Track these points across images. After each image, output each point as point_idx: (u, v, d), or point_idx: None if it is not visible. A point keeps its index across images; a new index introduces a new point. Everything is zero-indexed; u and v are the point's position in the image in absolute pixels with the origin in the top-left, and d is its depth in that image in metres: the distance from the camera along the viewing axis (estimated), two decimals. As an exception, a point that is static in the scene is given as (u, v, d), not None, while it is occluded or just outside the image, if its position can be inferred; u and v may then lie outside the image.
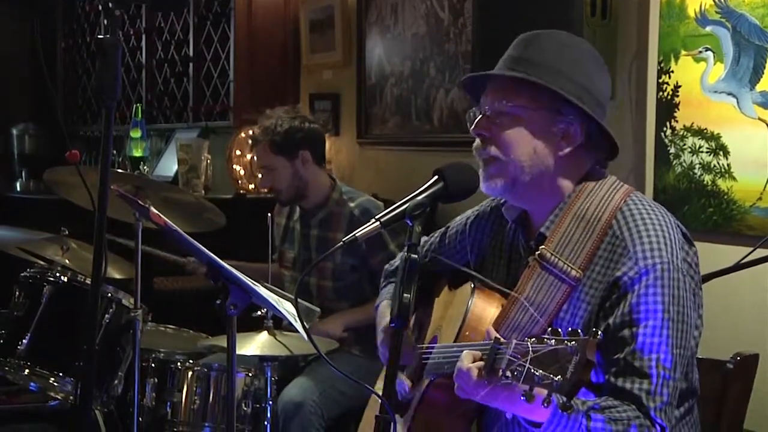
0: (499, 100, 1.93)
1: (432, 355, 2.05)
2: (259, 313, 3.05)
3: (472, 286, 2.03)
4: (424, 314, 2.25)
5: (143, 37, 6.33)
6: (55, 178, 3.39)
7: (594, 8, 3.20)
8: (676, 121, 3.13)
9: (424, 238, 2.33)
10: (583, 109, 1.89)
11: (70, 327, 3.20)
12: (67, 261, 3.36)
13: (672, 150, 3.14)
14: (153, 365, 3.24)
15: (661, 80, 3.17)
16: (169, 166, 5.73)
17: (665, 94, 3.16)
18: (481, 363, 1.71)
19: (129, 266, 3.41)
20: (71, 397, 3.19)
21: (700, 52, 3.03)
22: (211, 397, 3.12)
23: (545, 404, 1.53)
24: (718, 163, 2.99)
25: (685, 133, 3.10)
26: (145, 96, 6.30)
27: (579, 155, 1.94)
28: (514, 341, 1.61)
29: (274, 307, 2.21)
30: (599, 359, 1.71)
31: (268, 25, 5.37)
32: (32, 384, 3.25)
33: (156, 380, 3.22)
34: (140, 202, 2.37)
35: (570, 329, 1.58)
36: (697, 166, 3.06)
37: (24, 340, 3.16)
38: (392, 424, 1.75)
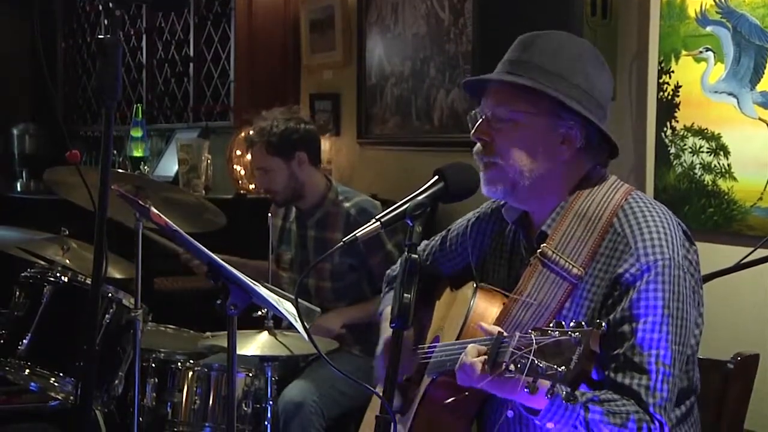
0: (499, 104, 1.93)
1: (434, 354, 2.05)
2: (259, 313, 3.05)
3: (475, 285, 2.03)
4: (425, 316, 2.25)
5: (144, 37, 6.33)
6: (56, 178, 3.40)
7: (594, 8, 3.20)
8: (677, 121, 3.13)
9: (425, 242, 2.33)
10: (583, 114, 1.89)
11: (70, 327, 3.20)
12: (67, 261, 3.36)
13: (672, 150, 3.14)
14: (153, 365, 3.25)
15: (661, 80, 3.17)
16: (169, 166, 5.73)
17: (666, 94, 3.16)
18: (485, 357, 1.71)
19: (129, 266, 3.41)
20: (72, 397, 3.19)
21: (701, 52, 3.03)
22: (211, 398, 3.12)
23: (549, 395, 1.54)
24: (719, 163, 2.99)
25: (686, 133, 3.10)
26: (146, 96, 6.30)
27: (579, 157, 1.94)
28: (518, 334, 1.62)
29: (275, 307, 2.21)
30: (600, 354, 1.71)
31: (269, 25, 5.37)
32: (33, 384, 3.25)
33: (156, 380, 3.22)
34: (141, 202, 2.37)
35: (573, 321, 1.59)
36: (698, 166, 3.06)
37: (24, 340, 3.16)
38: (392, 424, 1.75)
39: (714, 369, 2.20)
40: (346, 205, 3.54)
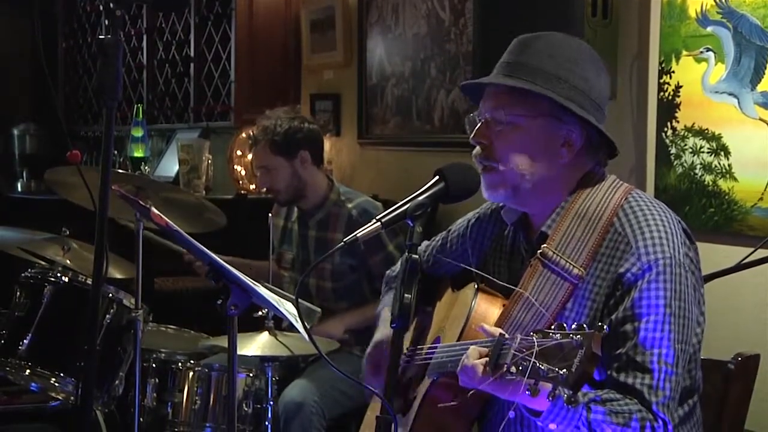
0: (498, 107, 1.93)
1: (434, 355, 2.05)
2: (260, 313, 3.05)
3: (476, 286, 2.03)
4: (426, 317, 2.25)
5: (144, 37, 6.33)
6: (56, 178, 3.40)
7: (595, 8, 3.20)
8: (677, 122, 3.13)
9: (425, 243, 2.33)
10: (582, 116, 1.89)
11: (71, 327, 3.20)
12: (68, 261, 3.36)
13: (673, 150, 3.14)
14: (154, 365, 3.24)
15: (662, 80, 3.17)
16: (170, 166, 5.73)
17: (666, 94, 3.16)
18: (486, 359, 1.71)
19: (130, 266, 3.41)
20: (72, 398, 3.19)
21: (701, 52, 3.03)
22: (212, 398, 3.12)
23: (550, 398, 1.54)
24: (719, 163, 2.99)
25: (686, 133, 3.10)
26: (146, 96, 6.30)
27: (580, 158, 1.94)
28: (519, 336, 1.62)
29: (275, 307, 2.21)
30: (602, 354, 1.72)
31: (269, 26, 5.37)
32: (33, 384, 3.25)
33: (157, 380, 3.22)
34: (141, 202, 2.36)
35: (575, 324, 1.58)
36: (698, 167, 3.06)
37: (25, 341, 3.16)
38: (393, 424, 1.75)
39: (715, 369, 2.20)
40: (348, 205, 3.55)
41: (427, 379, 2.06)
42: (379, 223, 1.83)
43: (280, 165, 3.54)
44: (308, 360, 3.43)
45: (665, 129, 3.17)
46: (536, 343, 1.56)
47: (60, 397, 3.32)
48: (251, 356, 2.95)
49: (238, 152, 5.17)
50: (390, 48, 4.66)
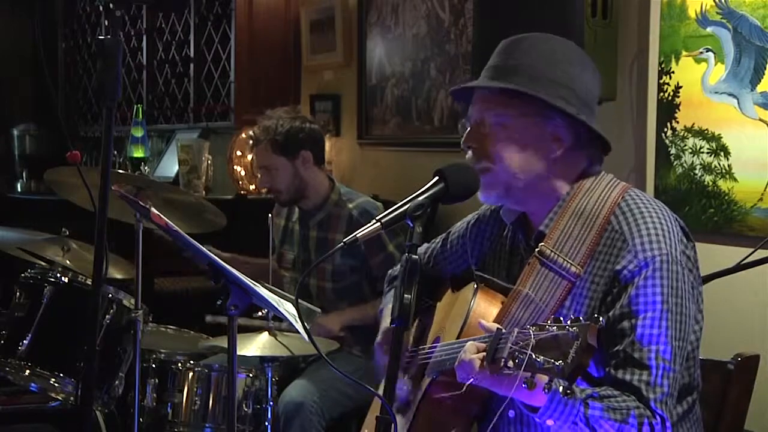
0: (485, 110, 1.96)
1: (434, 354, 2.05)
2: (260, 313, 3.05)
3: (475, 286, 2.03)
4: (427, 318, 2.25)
5: (144, 37, 6.33)
6: (56, 178, 3.40)
7: (595, 9, 3.20)
8: (677, 122, 3.13)
9: (426, 244, 2.34)
10: (567, 111, 1.90)
11: (70, 328, 3.20)
12: (67, 261, 3.36)
13: (673, 151, 3.14)
14: (154, 366, 3.24)
15: (661, 81, 3.17)
16: (169, 166, 5.73)
17: (666, 94, 3.16)
18: (483, 353, 1.72)
19: (130, 266, 3.41)
20: (72, 398, 3.19)
21: (701, 52, 3.03)
22: (211, 398, 3.12)
23: (546, 390, 1.54)
24: (719, 163, 2.99)
25: (686, 133, 3.10)
26: (146, 96, 6.29)
27: (572, 155, 1.96)
28: (516, 330, 1.63)
29: (275, 307, 2.21)
30: (600, 351, 1.72)
31: (269, 26, 5.37)
32: (33, 384, 3.25)
33: (157, 381, 3.22)
34: (141, 202, 2.37)
35: (572, 317, 1.59)
36: (698, 167, 3.06)
37: (25, 341, 3.16)
38: (393, 424, 1.75)
39: (714, 369, 2.20)
40: (349, 206, 3.55)
41: (426, 378, 2.06)
42: (379, 224, 1.83)
43: (282, 165, 3.54)
44: (308, 360, 3.43)
45: (665, 129, 3.17)
46: (533, 336, 1.57)
47: (60, 398, 3.32)
48: (251, 356, 2.95)
49: (238, 152, 5.16)
50: (390, 48, 4.66)
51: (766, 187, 2.86)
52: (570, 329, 1.55)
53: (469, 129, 1.98)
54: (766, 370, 2.35)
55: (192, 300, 4.45)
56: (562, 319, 1.60)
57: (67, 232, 3.48)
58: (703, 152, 3.05)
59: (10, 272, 3.46)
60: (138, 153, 5.37)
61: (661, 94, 3.18)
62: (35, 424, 3.75)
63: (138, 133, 5.37)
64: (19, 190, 6.70)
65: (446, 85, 4.30)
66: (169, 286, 4.61)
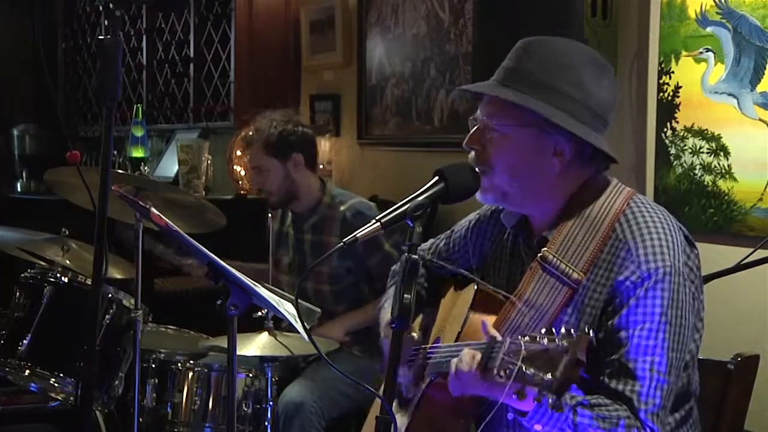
0: (490, 116, 1.94)
1: (433, 355, 2.05)
2: (259, 313, 3.05)
3: (476, 288, 2.03)
4: (431, 316, 2.25)
5: (144, 37, 6.33)
6: (56, 178, 3.40)
7: (594, 9, 3.20)
8: (677, 122, 3.13)
9: (430, 240, 2.34)
10: (567, 129, 1.87)
11: (70, 328, 3.20)
12: (67, 261, 3.36)
13: (672, 151, 3.14)
14: (153, 366, 3.24)
15: (661, 81, 3.17)
16: (169, 166, 5.73)
17: (666, 94, 3.16)
18: (477, 363, 1.72)
19: (130, 267, 3.41)
20: (72, 398, 3.19)
21: (701, 52, 3.03)
22: (211, 398, 3.12)
23: (536, 401, 1.54)
24: (719, 163, 2.99)
25: (686, 133, 3.10)
26: (146, 96, 6.29)
27: (574, 167, 1.93)
28: (508, 340, 1.62)
29: (275, 307, 2.21)
30: (595, 360, 1.71)
31: (269, 26, 5.37)
32: (33, 385, 3.25)
33: (156, 381, 3.22)
34: (141, 202, 2.37)
35: (564, 329, 1.59)
36: (698, 167, 3.06)
37: (25, 341, 3.16)
38: (392, 424, 1.75)
39: (714, 370, 2.20)
40: (341, 208, 3.55)
41: (425, 378, 2.06)
42: (378, 224, 1.83)
43: (273, 166, 3.55)
44: (308, 360, 3.43)
45: (665, 129, 3.17)
46: (523, 347, 1.57)
47: (60, 398, 3.32)
48: (251, 356, 2.95)
49: (238, 152, 5.16)
50: (390, 48, 4.66)
51: (766, 187, 2.86)
52: (560, 343, 1.55)
53: (474, 130, 1.97)
54: (766, 370, 2.35)
55: (192, 300, 4.45)
56: (554, 330, 1.59)
57: (67, 232, 3.48)
58: (703, 152, 3.05)
59: (10, 272, 3.46)
60: (138, 153, 5.37)
61: (661, 94, 3.18)
62: (35, 424, 3.75)
63: (138, 133, 5.36)
64: (19, 190, 6.69)
65: (446, 85, 4.30)
66: (169, 286, 4.61)
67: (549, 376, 1.52)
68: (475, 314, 1.98)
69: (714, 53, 2.99)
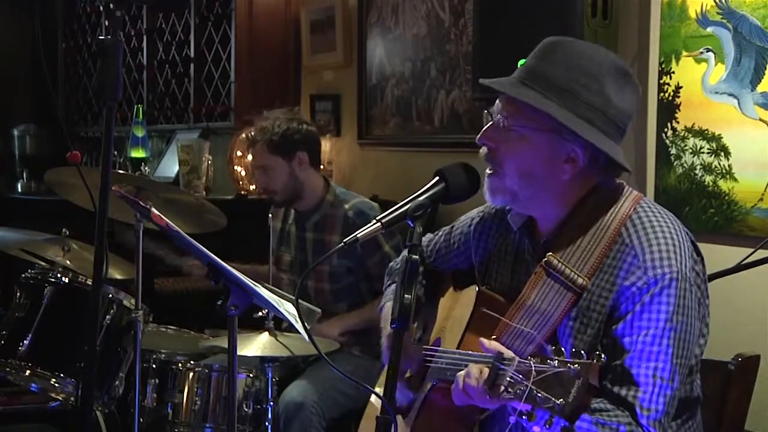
0: (509, 115, 1.90)
1: (435, 359, 2.05)
2: (260, 314, 3.05)
3: (477, 290, 2.02)
4: (429, 313, 2.25)
5: (144, 37, 6.33)
6: (56, 178, 3.39)
7: (595, 9, 3.20)
8: (677, 122, 3.13)
9: (428, 236, 2.33)
10: (584, 137, 1.84)
11: (71, 328, 3.20)
12: (68, 262, 3.36)
13: (673, 151, 3.14)
14: (154, 366, 3.24)
15: (662, 81, 3.17)
16: (170, 166, 5.73)
17: (666, 95, 3.16)
18: (484, 379, 1.69)
19: (130, 267, 3.41)
20: (72, 398, 3.19)
21: (701, 52, 3.03)
22: (212, 398, 3.13)
23: (547, 426, 1.52)
24: (719, 164, 2.99)
25: (686, 134, 3.10)
26: (146, 97, 6.29)
27: (585, 174, 1.91)
28: (517, 359, 1.60)
29: (275, 308, 2.21)
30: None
31: (269, 26, 5.37)
32: (33, 385, 3.25)
33: (157, 381, 3.22)
34: (141, 203, 2.37)
35: (573, 350, 1.57)
36: (698, 167, 3.06)
37: (25, 341, 3.16)
38: (393, 424, 1.75)
39: (715, 370, 2.20)
40: (344, 207, 3.55)
41: (427, 382, 2.05)
42: (379, 224, 1.83)
43: (278, 165, 3.55)
44: (308, 360, 3.43)
45: (665, 129, 3.17)
46: (534, 369, 1.55)
47: (60, 398, 3.32)
48: (251, 357, 2.95)
49: (238, 153, 5.16)
50: (390, 48, 4.66)
51: (766, 188, 2.86)
52: (572, 366, 1.53)
53: (489, 126, 1.94)
54: (766, 370, 2.35)
55: (192, 300, 4.45)
56: (563, 350, 1.58)
57: (68, 233, 3.48)
58: (703, 152, 3.05)
59: (10, 272, 3.46)
60: (138, 153, 5.37)
61: (662, 94, 3.18)
62: (35, 424, 3.75)
63: (138, 133, 5.37)
64: (19, 190, 6.69)
65: (446, 86, 4.30)
66: (169, 286, 4.60)
67: (561, 400, 1.50)
68: (476, 320, 1.97)
69: (714, 53, 2.99)
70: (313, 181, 3.60)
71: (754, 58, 2.87)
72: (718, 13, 2.97)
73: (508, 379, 1.58)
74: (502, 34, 3.40)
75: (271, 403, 3.04)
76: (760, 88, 2.86)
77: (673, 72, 3.13)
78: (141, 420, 3.13)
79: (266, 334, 3.03)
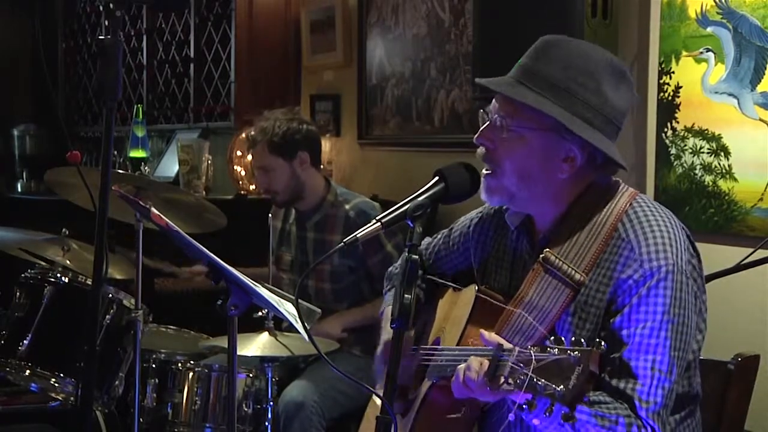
0: (507, 115, 1.90)
1: (434, 357, 2.05)
2: (260, 313, 3.05)
3: (476, 289, 2.02)
4: (428, 315, 2.25)
5: (144, 37, 6.33)
6: (56, 178, 3.40)
7: (595, 9, 3.20)
8: (677, 122, 3.13)
9: (427, 239, 2.33)
10: (583, 136, 1.85)
11: (71, 328, 3.20)
12: (68, 262, 3.36)
13: (673, 151, 3.14)
14: (154, 366, 3.25)
15: (662, 81, 3.17)
16: (169, 166, 5.73)
17: (666, 95, 3.16)
18: (484, 370, 1.70)
19: (130, 267, 3.41)
20: (72, 398, 3.19)
21: (701, 52, 3.03)
22: (212, 398, 3.13)
23: (547, 413, 1.53)
24: (719, 164, 2.99)
25: (686, 133, 3.10)
26: (146, 97, 6.30)
27: (583, 172, 1.92)
28: (517, 349, 1.61)
29: (275, 307, 2.21)
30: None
31: (269, 26, 5.37)
32: (33, 385, 3.25)
33: (157, 381, 3.23)
34: (141, 202, 2.37)
35: (573, 338, 1.58)
36: (698, 167, 3.06)
37: (25, 341, 3.16)
38: (393, 424, 1.75)
39: (714, 370, 2.20)
40: (345, 207, 3.55)
41: (426, 381, 2.06)
42: (379, 224, 1.83)
43: (279, 165, 3.54)
44: (308, 360, 3.43)
45: (665, 129, 3.17)
46: (534, 357, 1.55)
47: (60, 398, 3.32)
48: (251, 356, 2.95)
49: (238, 153, 5.17)
50: (390, 48, 4.66)
51: (766, 188, 2.86)
52: (572, 353, 1.54)
53: (486, 125, 1.94)
54: (766, 370, 2.35)
55: (192, 300, 4.45)
56: (563, 339, 1.58)
57: (67, 233, 3.48)
58: (703, 152, 3.05)
59: (10, 272, 3.46)
60: (138, 153, 5.37)
61: (661, 94, 3.18)
62: (35, 424, 3.75)
63: (139, 133, 5.37)
64: (19, 190, 6.70)
65: (446, 86, 4.30)
66: (169, 286, 4.60)
67: (561, 387, 1.51)
68: (476, 317, 1.97)
69: (714, 53, 2.99)
70: (314, 181, 3.60)
71: (754, 58, 2.87)
72: (718, 13, 2.97)
73: (508, 369, 1.58)
74: (502, 34, 3.40)
75: (271, 403, 3.04)
76: (760, 88, 2.86)
77: (673, 72, 3.13)
78: (141, 420, 3.13)
79: (266, 334, 3.03)
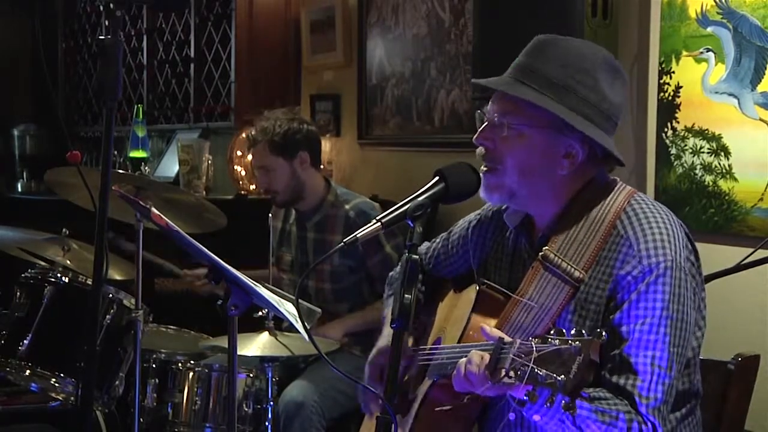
0: (505, 113, 1.91)
1: (435, 356, 2.05)
2: (260, 313, 3.05)
3: (477, 289, 2.03)
4: (428, 318, 2.25)
5: (144, 37, 6.33)
6: (56, 178, 3.40)
7: (595, 9, 3.20)
8: (678, 122, 3.13)
9: (426, 244, 2.33)
10: (584, 132, 1.87)
11: (71, 328, 3.20)
12: (68, 262, 3.36)
13: (673, 151, 3.14)
14: (154, 366, 3.25)
15: (662, 81, 3.17)
16: (170, 166, 5.73)
17: (666, 94, 3.16)
18: (485, 363, 1.71)
19: (130, 267, 3.41)
20: (72, 398, 3.19)
21: (702, 52, 3.03)
22: (212, 398, 3.13)
23: (548, 404, 1.53)
24: (719, 163, 2.99)
25: (686, 133, 3.10)
26: (146, 97, 6.29)
27: (582, 169, 1.93)
28: (519, 341, 1.61)
29: (276, 308, 2.21)
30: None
31: (269, 26, 5.37)
32: (33, 385, 3.25)
33: (157, 381, 3.23)
34: (141, 202, 2.37)
35: (574, 330, 1.58)
36: (698, 167, 3.06)
37: (25, 341, 3.16)
38: (393, 424, 1.75)
39: (715, 370, 2.20)
40: (346, 207, 3.55)
41: (426, 380, 2.06)
42: (379, 224, 1.83)
43: (280, 165, 3.54)
44: (308, 360, 3.43)
45: (665, 129, 3.17)
46: (535, 349, 1.56)
47: (60, 398, 3.32)
48: (251, 356, 2.96)
49: (238, 152, 5.17)
50: (390, 48, 4.66)
51: (766, 187, 2.86)
52: (572, 343, 1.54)
53: (485, 125, 1.95)
54: (766, 370, 2.35)
55: (192, 300, 4.45)
56: (564, 331, 1.59)
57: (68, 232, 3.48)
58: (703, 152, 3.05)
59: (10, 272, 3.46)
60: (138, 153, 5.37)
61: (662, 94, 3.18)
62: (35, 424, 3.75)
63: (139, 133, 5.37)
64: (19, 190, 6.70)
65: (447, 86, 4.30)
66: (169, 286, 4.60)
67: (562, 377, 1.51)
68: (477, 315, 1.97)
69: (714, 53, 2.99)
70: (314, 181, 3.60)
71: (754, 58, 2.87)
72: (718, 13, 2.97)
73: (509, 361, 1.58)
74: (502, 34, 3.40)
75: (271, 403, 3.04)
76: (760, 88, 2.86)
77: (673, 72, 3.13)
78: (141, 420, 3.13)
79: (266, 334, 3.03)
